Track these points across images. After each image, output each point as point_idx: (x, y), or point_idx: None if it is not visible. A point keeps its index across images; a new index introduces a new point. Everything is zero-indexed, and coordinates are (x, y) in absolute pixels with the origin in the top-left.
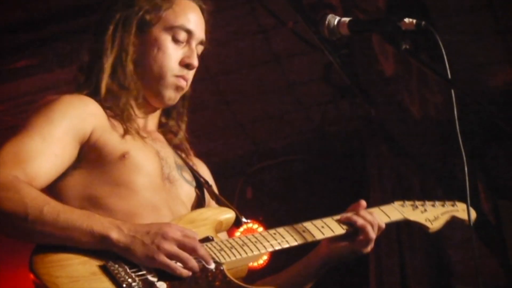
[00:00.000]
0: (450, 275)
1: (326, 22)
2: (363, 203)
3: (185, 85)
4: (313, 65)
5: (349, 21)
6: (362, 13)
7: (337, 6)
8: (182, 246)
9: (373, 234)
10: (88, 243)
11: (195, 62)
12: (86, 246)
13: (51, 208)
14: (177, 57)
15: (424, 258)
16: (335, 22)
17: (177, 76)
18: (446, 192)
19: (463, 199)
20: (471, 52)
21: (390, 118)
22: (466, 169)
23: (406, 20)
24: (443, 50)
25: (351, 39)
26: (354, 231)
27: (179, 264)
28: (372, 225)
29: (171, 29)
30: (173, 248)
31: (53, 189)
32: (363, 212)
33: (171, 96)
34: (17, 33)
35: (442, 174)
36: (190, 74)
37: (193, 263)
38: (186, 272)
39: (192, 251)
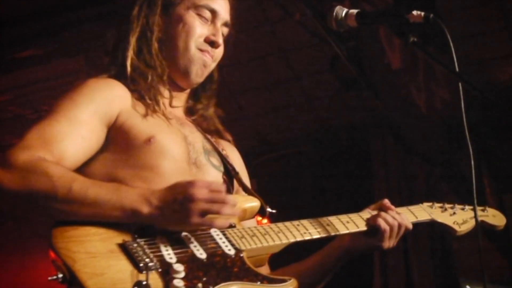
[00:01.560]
0: (455, 269)
1: (334, 14)
2: (389, 204)
3: (211, 60)
4: (320, 57)
5: (357, 13)
6: (369, 5)
7: None
8: (211, 201)
9: (393, 236)
10: (118, 218)
11: (220, 40)
12: (116, 221)
13: (80, 184)
14: (202, 33)
15: (429, 252)
16: (343, 14)
17: (202, 50)
18: (451, 185)
19: (468, 192)
20: (479, 47)
21: (396, 111)
22: (472, 163)
23: (414, 12)
24: (451, 43)
25: (358, 32)
26: (377, 229)
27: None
28: (392, 228)
29: (196, 8)
30: (203, 206)
31: (80, 174)
32: (385, 215)
33: (198, 72)
34: (22, 23)
35: (448, 168)
36: (217, 53)
37: (229, 209)
38: (222, 223)
39: (222, 203)
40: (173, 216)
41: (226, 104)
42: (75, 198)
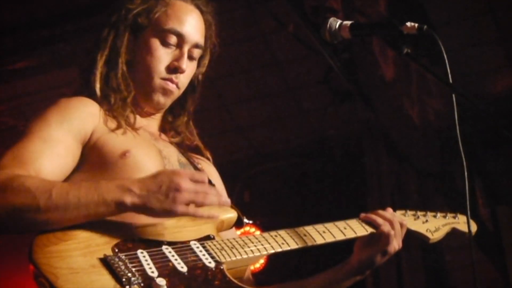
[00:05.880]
0: (448, 282)
1: (328, 25)
2: (389, 209)
3: (174, 88)
4: (313, 69)
5: (351, 24)
6: (363, 17)
7: (338, 10)
8: (195, 192)
9: (393, 232)
10: (105, 213)
11: (183, 66)
12: (102, 217)
13: (59, 190)
14: (166, 61)
15: (421, 264)
16: (337, 26)
17: (165, 79)
18: (445, 197)
19: (461, 205)
20: (472, 59)
21: (389, 123)
22: (466, 174)
23: (408, 24)
24: (444, 55)
25: (352, 43)
26: (378, 233)
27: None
28: (392, 223)
29: (162, 33)
30: (189, 196)
31: None
32: (382, 212)
33: (160, 101)
34: (16, 34)
35: (441, 179)
36: (181, 78)
37: (214, 198)
38: (210, 213)
39: (205, 193)
40: (157, 204)
41: (219, 116)
42: (57, 204)
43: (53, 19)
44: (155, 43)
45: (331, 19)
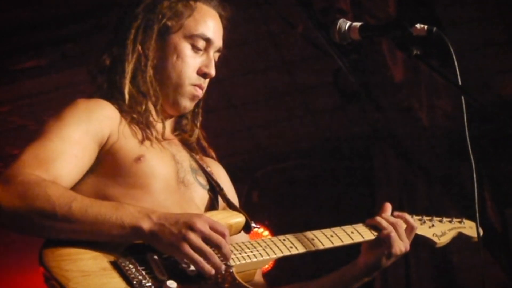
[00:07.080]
0: (456, 284)
1: (337, 26)
2: (388, 206)
3: (201, 93)
4: (322, 70)
5: (360, 26)
6: (372, 18)
7: (347, 11)
8: (207, 240)
9: (394, 234)
10: (119, 236)
11: (213, 71)
12: (117, 240)
13: (79, 203)
14: (195, 66)
15: (429, 267)
16: (346, 27)
17: (194, 85)
18: (453, 200)
19: (470, 207)
20: (481, 60)
21: (398, 125)
22: (475, 177)
23: (418, 26)
24: (454, 57)
25: (361, 45)
26: (382, 236)
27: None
28: (395, 226)
29: (191, 37)
30: (198, 241)
31: None
32: (385, 215)
33: (187, 105)
34: (25, 33)
35: (449, 181)
36: (206, 83)
37: (215, 260)
38: (208, 268)
39: (216, 246)
40: (167, 237)
41: (227, 116)
42: (75, 216)
43: (61, 19)
44: (186, 48)
45: (341, 21)
